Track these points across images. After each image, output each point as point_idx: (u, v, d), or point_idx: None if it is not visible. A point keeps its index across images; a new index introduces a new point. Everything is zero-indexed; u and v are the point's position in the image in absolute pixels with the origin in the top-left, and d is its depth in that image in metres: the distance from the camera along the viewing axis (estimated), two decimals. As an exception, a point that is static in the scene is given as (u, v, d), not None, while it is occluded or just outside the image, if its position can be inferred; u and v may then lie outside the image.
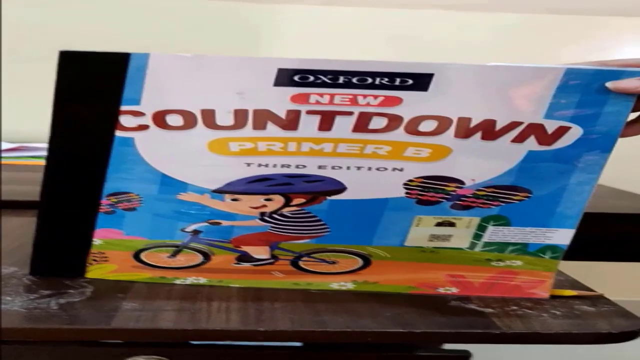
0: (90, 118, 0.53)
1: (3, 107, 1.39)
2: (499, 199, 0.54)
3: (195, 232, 0.56)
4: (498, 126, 0.51)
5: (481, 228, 0.56)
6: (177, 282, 0.58)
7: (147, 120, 0.52)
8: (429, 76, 0.49)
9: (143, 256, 0.58)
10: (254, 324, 0.50)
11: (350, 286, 0.58)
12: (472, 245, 0.57)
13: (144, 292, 0.55)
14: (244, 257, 0.58)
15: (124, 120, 0.52)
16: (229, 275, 0.58)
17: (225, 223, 0.56)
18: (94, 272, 0.58)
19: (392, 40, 1.42)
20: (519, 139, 0.51)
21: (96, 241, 0.57)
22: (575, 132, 0.51)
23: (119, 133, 0.52)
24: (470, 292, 0.58)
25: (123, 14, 1.36)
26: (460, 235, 0.56)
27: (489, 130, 0.51)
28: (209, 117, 0.51)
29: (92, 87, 0.51)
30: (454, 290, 0.58)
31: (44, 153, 1.29)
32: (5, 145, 1.33)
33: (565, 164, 0.52)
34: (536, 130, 0.51)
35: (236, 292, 0.56)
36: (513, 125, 0.51)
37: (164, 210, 0.55)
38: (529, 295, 0.57)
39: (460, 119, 0.51)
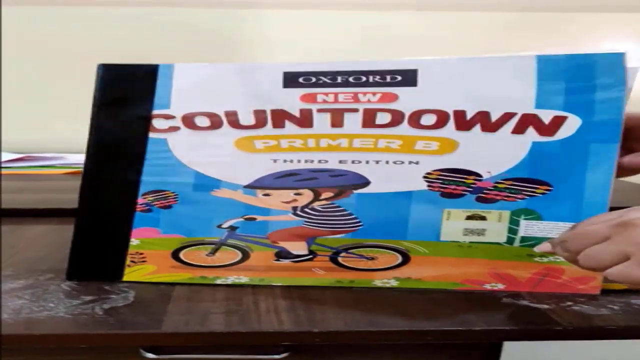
0: (126, 123, 0.58)
1: (7, 117, 1.38)
2: (521, 192, 0.55)
3: (232, 229, 0.58)
4: (493, 118, 0.54)
5: (514, 222, 0.56)
6: (219, 281, 0.57)
7: (178, 122, 0.58)
8: (414, 72, 0.55)
9: (182, 255, 0.58)
10: (307, 325, 0.48)
11: (393, 283, 0.57)
12: (510, 240, 0.56)
13: (186, 295, 0.54)
14: (283, 254, 0.58)
15: (156, 123, 0.58)
16: (270, 273, 0.57)
17: (260, 218, 0.58)
18: (133, 274, 0.57)
19: (377, 42, 1.43)
20: (518, 130, 0.54)
21: (134, 241, 0.58)
22: (574, 121, 0.53)
23: (152, 135, 0.58)
24: (518, 288, 0.56)
25: (121, 24, 1.37)
26: (495, 229, 0.56)
27: (486, 122, 0.55)
28: (233, 118, 0.57)
29: (127, 95, 0.58)
30: (500, 286, 0.57)
31: (51, 162, 1.27)
32: (10, 156, 1.31)
33: (575, 155, 0.54)
34: (532, 120, 0.54)
35: (280, 291, 0.55)
36: (507, 116, 0.54)
37: (200, 207, 0.58)
38: (580, 291, 0.56)
39: (455, 112, 0.55)
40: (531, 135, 0.54)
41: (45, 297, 0.52)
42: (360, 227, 0.57)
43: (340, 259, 0.58)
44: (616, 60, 0.53)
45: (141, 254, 0.57)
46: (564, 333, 0.48)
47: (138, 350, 0.54)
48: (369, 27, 1.42)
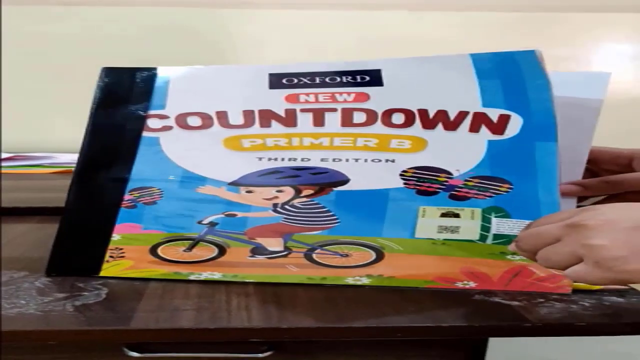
0: (122, 123, 0.62)
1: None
2: (488, 189, 0.57)
3: (212, 224, 0.58)
4: (451, 116, 0.57)
5: (486, 220, 0.57)
6: (192, 277, 0.57)
7: (171, 122, 0.61)
8: (378, 72, 0.59)
9: (159, 251, 0.58)
10: (276, 321, 0.48)
11: (365, 281, 0.57)
12: (483, 238, 0.57)
13: (159, 292, 0.54)
14: (258, 250, 0.58)
15: (151, 122, 0.61)
16: (244, 269, 0.57)
17: (240, 214, 0.58)
18: (110, 269, 0.57)
19: (369, 42, 1.44)
20: (473, 128, 0.57)
21: (115, 236, 0.58)
22: (517, 120, 0.56)
23: (145, 134, 0.61)
24: (489, 286, 0.56)
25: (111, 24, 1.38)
26: (468, 226, 0.57)
27: (446, 121, 0.58)
28: (223, 118, 0.60)
29: (126, 96, 0.62)
30: (472, 284, 0.57)
31: (40, 162, 1.27)
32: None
33: (525, 154, 0.56)
34: (483, 119, 0.57)
35: (253, 289, 0.55)
36: (462, 115, 0.57)
37: (183, 203, 0.59)
38: (551, 290, 0.56)
39: (420, 111, 0.58)
40: (485, 134, 0.57)
41: (17, 294, 0.52)
42: (337, 224, 0.58)
43: (314, 256, 0.58)
44: (531, 57, 0.56)
45: (121, 249, 0.57)
46: (533, 330, 0.48)
47: (121, 349, 0.54)
48: (359, 26, 1.43)
